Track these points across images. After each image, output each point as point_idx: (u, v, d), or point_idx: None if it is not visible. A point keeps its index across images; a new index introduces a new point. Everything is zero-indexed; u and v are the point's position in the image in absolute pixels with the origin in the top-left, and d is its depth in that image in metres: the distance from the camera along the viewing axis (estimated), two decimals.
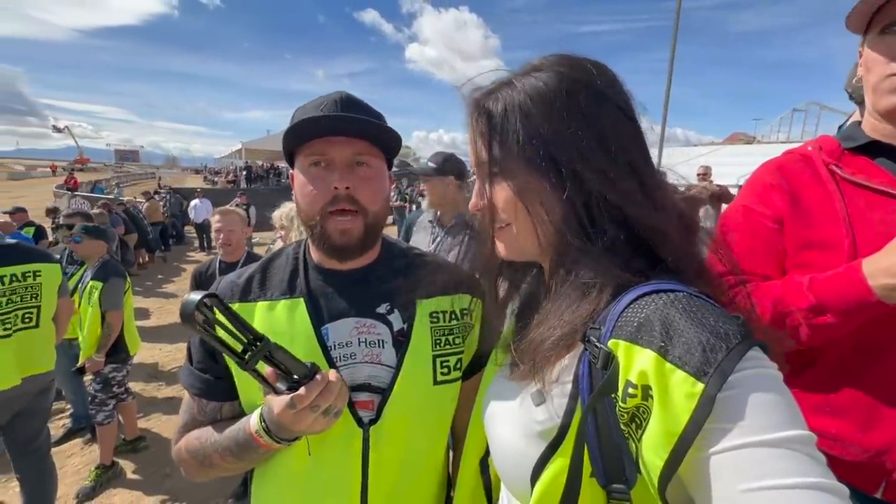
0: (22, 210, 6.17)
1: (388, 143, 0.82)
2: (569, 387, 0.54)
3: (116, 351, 2.98)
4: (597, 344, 0.50)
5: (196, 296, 0.58)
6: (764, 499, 0.38)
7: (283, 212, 2.62)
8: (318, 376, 0.66)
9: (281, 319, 0.79)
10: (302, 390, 0.65)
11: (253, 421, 0.73)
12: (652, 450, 0.45)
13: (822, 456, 0.41)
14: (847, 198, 0.87)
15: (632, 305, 0.50)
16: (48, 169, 54.40)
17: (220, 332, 0.60)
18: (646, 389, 0.45)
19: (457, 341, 0.85)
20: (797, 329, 0.84)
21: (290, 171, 0.84)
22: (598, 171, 0.55)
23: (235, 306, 0.80)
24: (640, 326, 0.48)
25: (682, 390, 0.42)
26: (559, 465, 0.52)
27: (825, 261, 0.85)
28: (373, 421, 0.78)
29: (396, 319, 0.83)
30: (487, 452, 0.75)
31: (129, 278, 3.16)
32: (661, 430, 0.43)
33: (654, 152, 0.62)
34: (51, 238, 6.13)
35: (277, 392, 0.67)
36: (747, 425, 0.40)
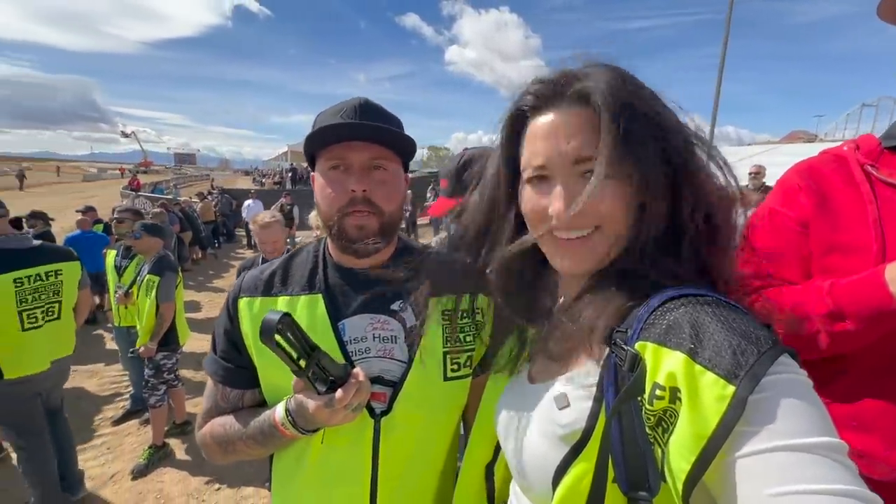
0: (92, 209, 6.75)
1: (403, 147, 0.85)
2: (593, 390, 0.53)
3: (168, 340, 3.22)
4: (623, 346, 0.50)
5: (275, 316, 0.62)
6: (793, 502, 0.37)
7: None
8: (352, 379, 0.70)
9: (301, 315, 0.84)
10: (340, 392, 0.69)
11: (279, 414, 0.77)
12: (679, 453, 0.43)
13: (854, 465, 0.40)
14: (881, 200, 0.82)
15: (660, 308, 0.50)
16: (117, 171, 59.05)
17: (282, 342, 0.65)
18: (674, 391, 0.44)
19: (467, 339, 0.87)
20: (816, 336, 0.80)
21: (312, 173, 0.89)
22: (691, 175, 0.56)
23: (258, 301, 0.86)
24: (669, 328, 0.47)
25: (713, 392, 0.41)
26: (581, 469, 0.51)
27: (850, 265, 0.80)
28: (384, 412, 0.81)
29: (409, 316, 0.86)
30: (494, 459, 0.76)
31: (181, 273, 3.40)
32: (690, 433, 0.42)
33: None
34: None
35: (319, 392, 0.70)
36: (778, 429, 0.40)
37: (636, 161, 0.54)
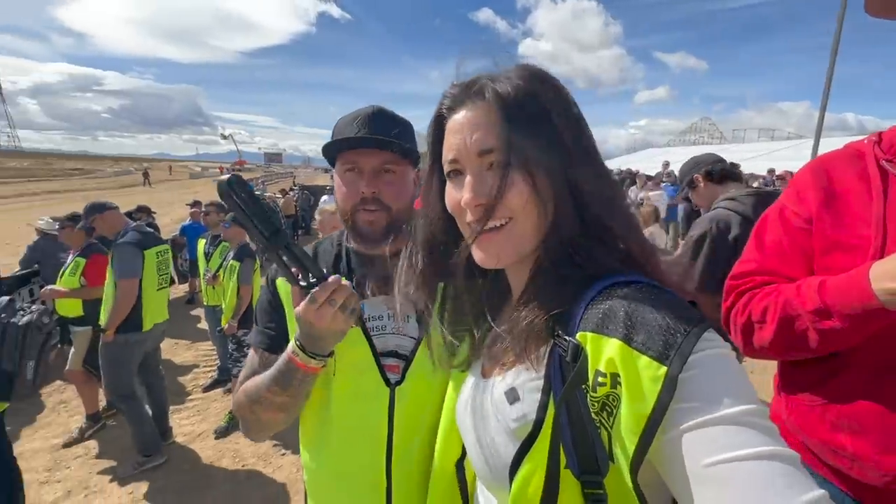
0: (199, 203, 7.75)
1: (410, 152, 0.95)
2: (541, 382, 0.55)
3: (247, 319, 3.63)
4: (565, 338, 0.53)
5: (225, 176, 0.72)
6: (725, 471, 0.40)
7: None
8: (331, 278, 0.77)
9: None
10: (319, 287, 0.76)
11: (290, 345, 0.84)
12: (623, 435, 0.46)
13: (774, 426, 0.43)
14: (892, 197, 0.77)
15: (596, 298, 0.53)
16: (217, 169, 66.16)
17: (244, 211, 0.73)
18: (614, 377, 0.47)
19: (465, 333, 0.94)
20: (806, 333, 0.78)
21: (333, 171, 1.02)
22: (591, 166, 0.59)
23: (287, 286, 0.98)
24: (605, 317, 0.50)
25: (648, 374, 0.44)
26: (535, 460, 0.53)
27: (850, 263, 0.77)
28: (398, 382, 0.91)
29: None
30: (463, 455, 0.76)
31: (258, 260, 3.82)
32: (631, 415, 0.45)
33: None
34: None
35: (297, 283, 0.78)
36: (706, 403, 0.43)
37: (530, 153, 0.56)
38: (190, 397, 4.18)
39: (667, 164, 11.87)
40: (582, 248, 0.57)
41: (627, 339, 0.47)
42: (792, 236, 0.90)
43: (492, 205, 0.57)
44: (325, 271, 0.78)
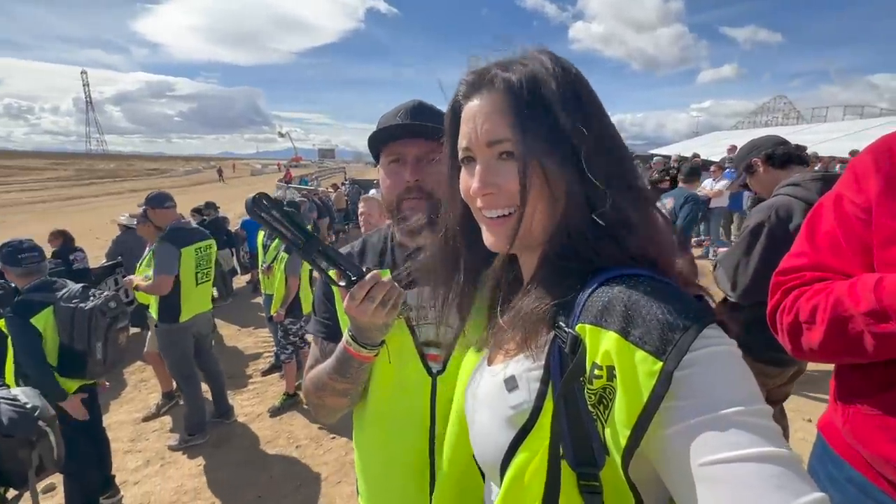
0: None
1: None
2: (540, 372, 0.55)
3: (293, 308, 3.83)
4: (565, 329, 0.53)
5: (251, 195, 0.76)
6: (721, 471, 0.40)
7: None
8: (368, 275, 0.80)
9: None
10: (357, 286, 0.80)
11: (345, 335, 0.89)
12: (616, 428, 0.46)
13: (776, 426, 0.42)
14: None
15: (598, 290, 0.52)
16: (276, 166, 69.79)
17: (280, 227, 0.77)
18: (610, 370, 0.47)
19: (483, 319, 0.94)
20: (861, 337, 0.70)
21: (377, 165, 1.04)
22: (605, 157, 0.57)
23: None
24: (604, 309, 0.50)
25: (643, 369, 0.44)
26: (530, 450, 0.53)
27: None
28: (440, 372, 0.93)
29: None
30: None
31: None
32: (625, 409, 0.45)
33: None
34: None
35: (337, 285, 0.83)
36: (703, 402, 0.43)
37: (539, 143, 0.55)
38: (251, 380, 4.49)
39: (733, 149, 10.94)
40: (590, 241, 0.56)
41: (624, 333, 0.46)
42: (848, 228, 0.81)
43: (499, 194, 0.59)
44: (363, 269, 0.82)
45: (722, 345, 0.45)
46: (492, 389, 0.63)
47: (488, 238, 0.64)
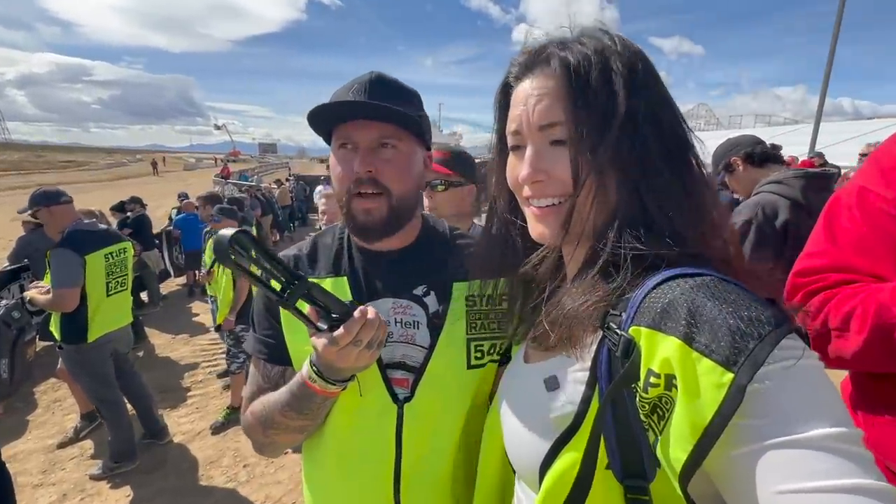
0: (186, 195, 7.58)
1: (415, 125, 0.80)
2: (586, 374, 0.52)
3: (244, 313, 3.50)
4: (617, 331, 0.48)
5: (228, 231, 0.58)
6: (800, 501, 0.35)
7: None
8: (356, 313, 0.67)
9: None
10: (342, 329, 0.65)
11: (305, 368, 0.74)
12: (675, 443, 0.42)
13: (869, 454, 0.37)
14: None
15: (655, 290, 0.47)
16: (212, 160, 65.46)
17: (255, 270, 0.62)
18: (669, 379, 0.42)
19: (492, 326, 0.83)
20: None
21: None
22: (666, 149, 0.53)
23: None
24: (664, 312, 0.45)
25: (709, 380, 0.40)
26: (572, 454, 0.50)
27: None
28: (407, 399, 0.80)
29: (432, 301, 0.84)
30: None
31: None
32: (686, 423, 0.41)
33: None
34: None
35: (319, 330, 0.68)
36: (782, 421, 0.38)
37: (595, 130, 0.52)
38: (189, 394, 4.07)
39: None
40: (644, 236, 0.52)
41: (688, 339, 0.42)
42: (877, 225, 0.77)
43: (549, 183, 0.56)
44: (348, 304, 0.68)
45: (803, 357, 0.40)
46: (529, 389, 0.60)
47: (535, 228, 0.60)
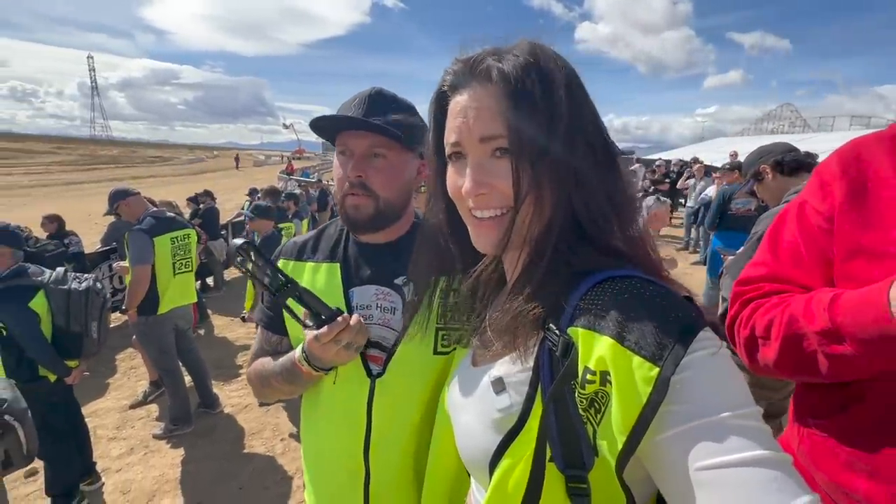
0: (255, 191, 8.26)
1: (408, 136, 0.90)
2: (528, 374, 0.54)
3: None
4: (556, 332, 0.52)
5: (238, 241, 0.79)
6: (715, 476, 0.40)
7: None
8: (339, 318, 0.80)
9: (321, 279, 0.97)
10: (324, 328, 0.80)
11: (297, 352, 0.89)
12: (612, 433, 0.46)
13: (767, 428, 0.43)
14: None
15: (589, 293, 0.51)
16: (279, 158, 69.84)
17: (255, 271, 0.81)
18: (604, 375, 0.46)
19: (462, 318, 0.92)
20: (814, 357, 0.67)
21: None
22: (593, 155, 0.56)
23: (291, 264, 1.01)
24: (597, 313, 0.49)
25: (639, 375, 0.44)
26: (517, 453, 0.52)
27: (873, 274, 0.65)
28: (379, 374, 0.91)
29: (410, 291, 0.93)
30: None
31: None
32: (621, 414, 0.45)
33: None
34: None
35: (305, 327, 0.83)
36: (699, 406, 0.43)
37: (535, 141, 0.53)
38: (241, 371, 4.47)
39: (734, 155, 10.90)
40: (574, 242, 0.55)
41: (620, 338, 0.46)
42: (809, 237, 0.77)
43: (491, 195, 0.56)
44: (334, 310, 0.82)
45: (714, 347, 0.45)
46: (477, 391, 0.62)
47: (478, 239, 0.61)
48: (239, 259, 0.79)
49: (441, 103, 0.63)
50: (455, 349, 0.88)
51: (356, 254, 1.00)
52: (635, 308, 0.47)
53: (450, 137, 0.59)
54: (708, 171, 8.86)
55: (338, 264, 0.98)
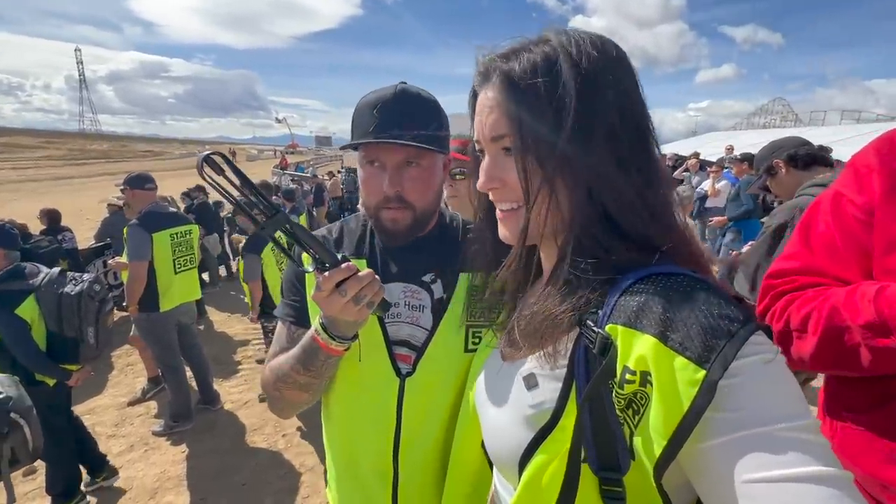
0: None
1: (436, 139, 0.87)
2: (563, 371, 0.53)
3: (267, 305, 3.64)
4: (594, 329, 0.50)
5: (206, 152, 0.64)
6: (767, 490, 0.38)
7: None
8: (342, 265, 0.71)
9: None
10: (325, 274, 0.71)
11: (315, 324, 0.81)
12: (650, 437, 0.44)
13: (826, 442, 0.40)
14: None
15: (630, 289, 0.49)
16: (271, 152, 69.19)
17: (233, 191, 0.68)
18: (644, 375, 0.44)
19: (493, 315, 0.87)
20: (857, 350, 0.67)
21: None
22: (624, 149, 0.53)
23: None
24: (639, 311, 0.47)
25: (683, 377, 0.41)
26: (550, 450, 0.51)
27: None
28: (409, 373, 0.88)
29: (438, 288, 0.91)
30: None
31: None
32: (661, 417, 0.43)
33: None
34: None
35: (297, 263, 0.78)
36: (750, 415, 0.40)
37: (540, 139, 0.53)
38: (240, 367, 4.45)
39: (731, 149, 10.95)
40: (606, 238, 0.54)
41: (663, 337, 0.43)
42: (847, 230, 0.76)
43: (504, 189, 0.59)
44: (339, 257, 0.73)
45: (769, 353, 0.43)
46: (508, 386, 0.61)
47: (501, 230, 0.63)
48: (205, 173, 0.64)
49: (475, 101, 0.63)
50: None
51: (382, 250, 0.97)
52: (680, 306, 0.45)
53: (475, 135, 0.62)
54: (703, 165, 8.88)
55: (364, 260, 0.95)
